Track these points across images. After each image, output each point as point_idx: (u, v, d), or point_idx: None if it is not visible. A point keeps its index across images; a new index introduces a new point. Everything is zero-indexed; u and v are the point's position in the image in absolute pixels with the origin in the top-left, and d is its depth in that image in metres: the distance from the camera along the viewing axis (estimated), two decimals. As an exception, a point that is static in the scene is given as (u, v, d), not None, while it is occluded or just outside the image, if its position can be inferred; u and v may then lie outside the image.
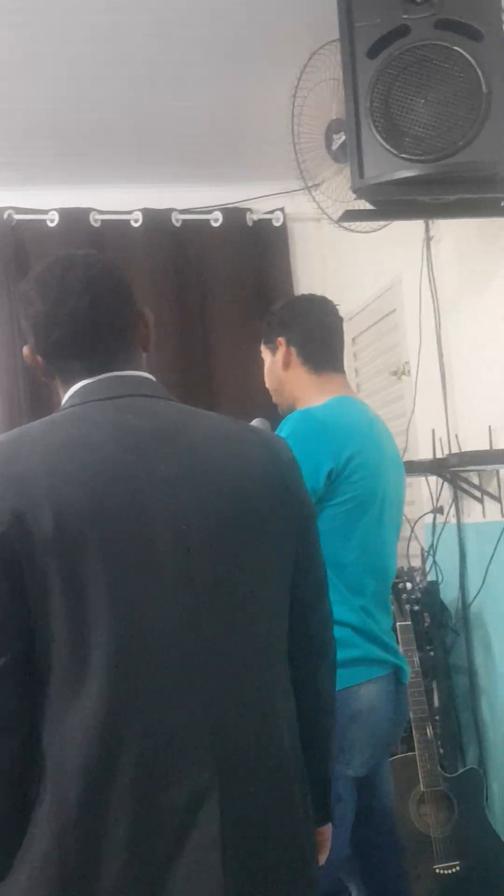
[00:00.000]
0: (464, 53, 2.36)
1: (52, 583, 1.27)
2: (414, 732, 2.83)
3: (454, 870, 2.78)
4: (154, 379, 1.53)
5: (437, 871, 2.77)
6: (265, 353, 2.44)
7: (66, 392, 1.51)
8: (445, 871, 2.77)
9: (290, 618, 1.49)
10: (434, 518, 3.26)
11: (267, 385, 2.46)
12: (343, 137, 2.64)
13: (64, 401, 1.50)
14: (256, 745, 1.37)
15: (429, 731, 2.84)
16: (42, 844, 1.26)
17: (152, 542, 1.33)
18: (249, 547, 1.42)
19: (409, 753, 2.86)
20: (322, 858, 1.62)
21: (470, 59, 2.36)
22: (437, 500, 3.23)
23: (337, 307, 2.44)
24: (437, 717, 3.14)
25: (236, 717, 1.36)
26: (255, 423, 2.28)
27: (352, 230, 3.08)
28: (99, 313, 1.49)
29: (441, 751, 3.05)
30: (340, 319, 2.44)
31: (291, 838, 1.39)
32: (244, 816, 1.32)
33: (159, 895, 1.27)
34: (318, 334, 2.37)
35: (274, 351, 2.39)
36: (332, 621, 1.62)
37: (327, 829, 1.64)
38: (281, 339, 2.37)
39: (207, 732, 1.32)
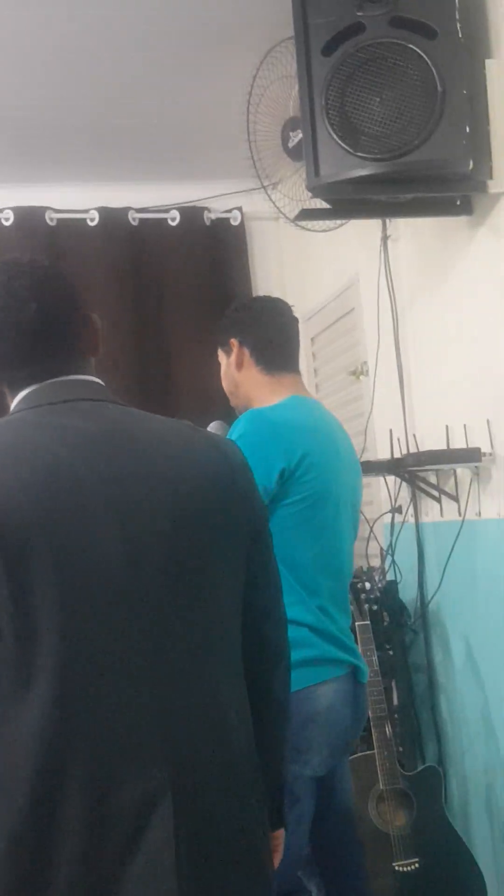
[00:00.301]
0: (419, 52, 2.37)
1: None
2: (373, 731, 2.83)
3: (413, 867, 2.78)
4: (102, 383, 1.53)
5: (397, 868, 2.77)
6: (220, 356, 2.44)
7: (14, 398, 1.50)
8: (404, 869, 2.78)
9: (245, 622, 1.49)
10: (392, 518, 3.26)
11: (223, 387, 2.45)
12: (300, 135, 2.63)
13: (12, 407, 1.50)
14: (209, 744, 1.36)
15: (388, 730, 2.84)
16: None
17: (99, 543, 1.32)
18: (199, 548, 1.41)
19: (369, 752, 2.86)
20: (275, 862, 1.61)
21: (425, 57, 2.37)
22: (396, 500, 3.24)
23: (292, 308, 2.45)
24: (396, 716, 3.15)
25: (188, 717, 1.35)
26: (212, 426, 2.28)
27: (308, 229, 3.07)
28: (46, 321, 1.49)
29: (400, 749, 3.05)
30: (295, 320, 2.44)
31: (246, 837, 1.39)
32: (198, 816, 1.32)
33: None
34: (272, 335, 2.37)
35: (228, 353, 2.39)
36: (286, 626, 1.62)
37: (280, 834, 1.63)
38: (234, 341, 2.36)
39: (159, 733, 1.32)
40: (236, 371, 2.38)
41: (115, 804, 1.27)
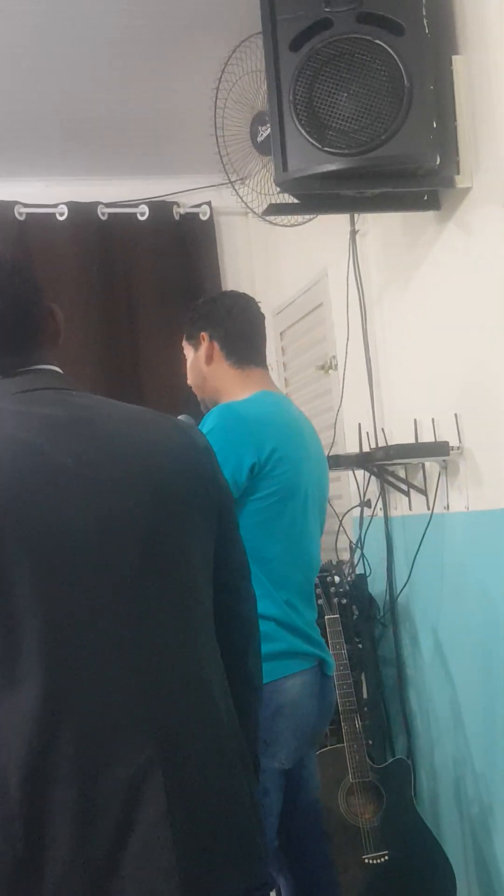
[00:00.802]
0: (386, 47, 2.37)
1: None
2: (342, 724, 2.84)
3: (383, 859, 2.80)
4: (63, 373, 1.55)
5: (366, 860, 2.79)
6: (187, 350, 2.44)
7: None
8: (374, 861, 2.79)
9: (217, 601, 1.51)
10: (361, 511, 3.27)
11: (189, 381, 2.46)
12: (269, 130, 2.63)
13: None
14: (194, 717, 1.38)
15: (357, 723, 2.85)
16: None
17: (72, 523, 1.34)
18: (171, 525, 1.43)
19: (338, 745, 2.88)
20: None
21: (392, 53, 2.37)
22: (365, 494, 3.25)
23: (259, 304, 2.46)
24: (365, 709, 3.16)
25: (173, 691, 1.37)
26: (180, 419, 2.28)
27: (277, 224, 3.08)
28: (9, 314, 1.51)
29: (369, 742, 3.07)
30: (262, 316, 2.45)
31: (237, 810, 1.40)
32: (189, 789, 1.33)
33: (111, 876, 1.26)
34: (241, 329, 2.38)
35: (196, 346, 2.40)
36: (255, 603, 1.65)
37: None
38: (204, 334, 2.37)
39: (146, 711, 1.33)
40: (205, 365, 2.38)
41: (106, 784, 1.28)
